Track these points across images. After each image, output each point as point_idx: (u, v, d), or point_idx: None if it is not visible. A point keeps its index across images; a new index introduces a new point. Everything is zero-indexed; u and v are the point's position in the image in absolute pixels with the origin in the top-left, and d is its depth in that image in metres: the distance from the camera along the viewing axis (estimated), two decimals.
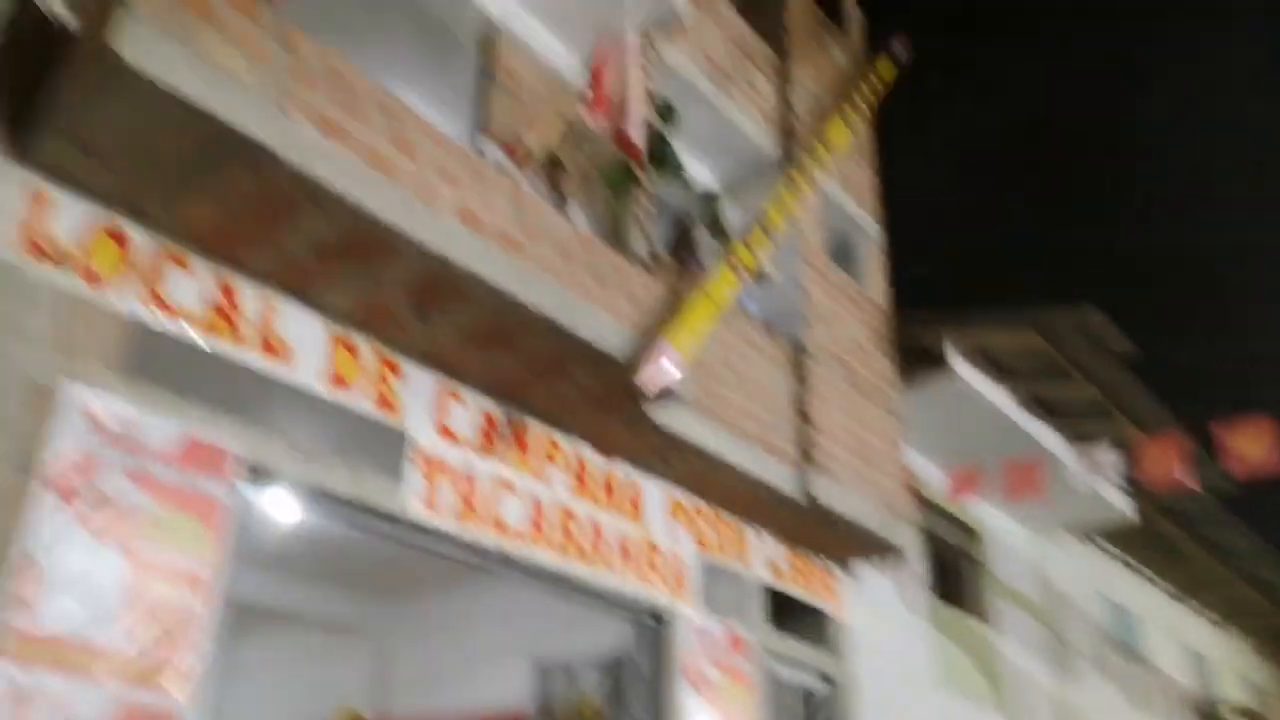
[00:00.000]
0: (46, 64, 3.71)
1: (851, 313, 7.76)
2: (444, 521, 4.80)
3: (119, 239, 3.87)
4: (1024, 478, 8.83)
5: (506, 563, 5.17)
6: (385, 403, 4.72)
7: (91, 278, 3.76)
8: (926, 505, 9.29)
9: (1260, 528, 13.36)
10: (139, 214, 3.91)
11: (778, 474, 6.34)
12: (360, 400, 4.62)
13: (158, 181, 3.77)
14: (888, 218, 8.82)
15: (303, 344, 4.41)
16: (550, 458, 5.51)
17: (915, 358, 8.60)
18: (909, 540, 7.42)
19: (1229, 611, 15.87)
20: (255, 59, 3.62)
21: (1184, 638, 14.74)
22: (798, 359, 6.93)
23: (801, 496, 6.46)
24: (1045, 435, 9.65)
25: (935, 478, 9.39)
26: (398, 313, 4.58)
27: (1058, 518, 11.07)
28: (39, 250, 3.64)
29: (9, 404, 3.44)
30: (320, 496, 4.44)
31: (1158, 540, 12.92)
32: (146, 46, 3.28)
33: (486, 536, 4.98)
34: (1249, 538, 13.36)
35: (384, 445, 4.73)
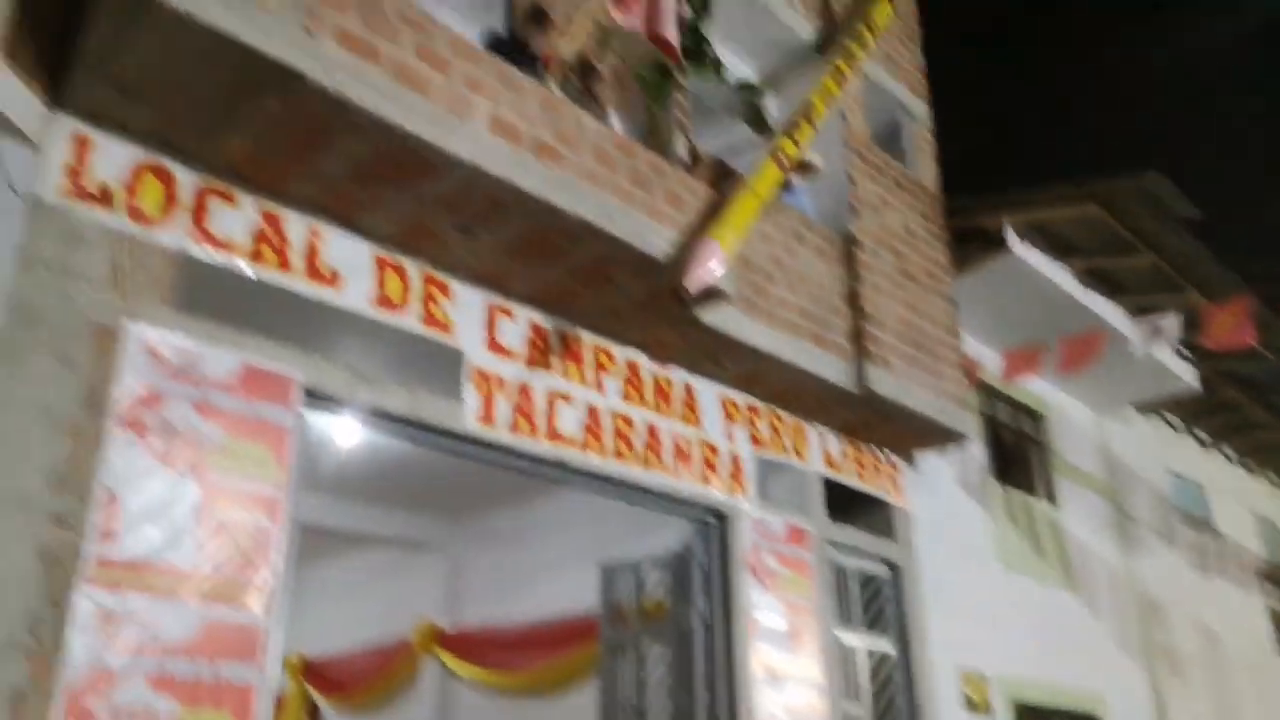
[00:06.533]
0: (78, 8, 3.71)
1: (900, 199, 7.59)
2: (501, 434, 4.88)
3: (162, 176, 3.92)
4: (1078, 349, 8.66)
5: (566, 471, 5.27)
6: (435, 321, 4.77)
7: (140, 217, 3.82)
8: (986, 389, 9.22)
9: None
10: (179, 150, 3.94)
11: (831, 367, 6.32)
12: (411, 320, 4.67)
13: (194, 116, 3.79)
14: (933, 97, 8.53)
15: (349, 268, 4.46)
16: (601, 365, 5.55)
17: (970, 239, 8.43)
18: (970, 426, 7.39)
19: None
20: None
21: (1253, 505, 14.59)
22: (846, 249, 6.83)
23: (856, 389, 6.45)
24: (1105, 310, 9.45)
25: (995, 361, 9.28)
26: (440, 231, 4.59)
27: (1120, 392, 10.91)
28: (86, 193, 3.71)
29: (76, 347, 3.55)
30: (380, 417, 4.53)
31: (1223, 408, 12.70)
32: None
33: (543, 447, 5.07)
34: None
35: (438, 363, 4.80)
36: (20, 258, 3.52)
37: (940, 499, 8.15)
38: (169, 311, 3.83)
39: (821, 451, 6.89)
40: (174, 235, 3.90)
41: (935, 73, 8.62)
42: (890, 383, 6.63)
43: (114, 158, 3.80)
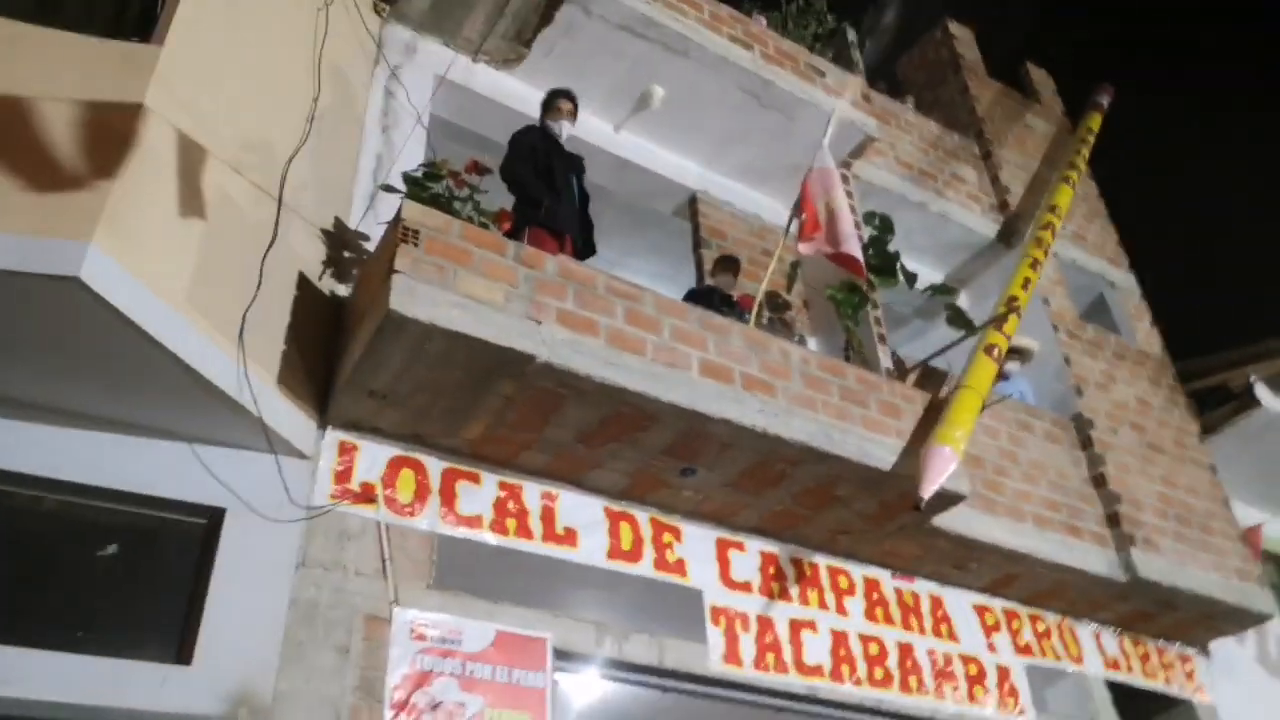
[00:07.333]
0: (335, 337, 4.28)
1: (1125, 370, 7.23)
2: (747, 673, 4.74)
3: (415, 467, 4.29)
4: None
5: (818, 704, 5.01)
6: (669, 565, 4.81)
7: (398, 507, 4.16)
8: (1273, 559, 8.23)
9: None
10: (427, 442, 4.33)
11: (1090, 557, 5.87)
12: (645, 568, 4.73)
13: (438, 409, 4.17)
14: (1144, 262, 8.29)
15: (584, 525, 4.62)
16: (840, 587, 5.37)
17: (1214, 400, 7.84)
18: (1265, 602, 6.57)
19: None
20: (505, 284, 4.00)
21: None
22: (1080, 431, 6.49)
23: (1123, 577, 5.92)
24: None
25: (1276, 526, 8.32)
26: (665, 477, 4.71)
27: None
28: (351, 493, 4.08)
29: (353, 638, 3.80)
30: (624, 669, 4.52)
31: None
32: (415, 298, 3.72)
33: (792, 680, 4.87)
34: None
35: (677, 607, 4.79)
36: (299, 561, 3.86)
37: (1246, 689, 7.15)
38: (428, 592, 4.06)
39: (1099, 652, 6.26)
40: (428, 519, 4.20)
41: (1144, 239, 8.43)
42: (1161, 566, 6.06)
43: (373, 458, 4.21)
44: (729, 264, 6.01)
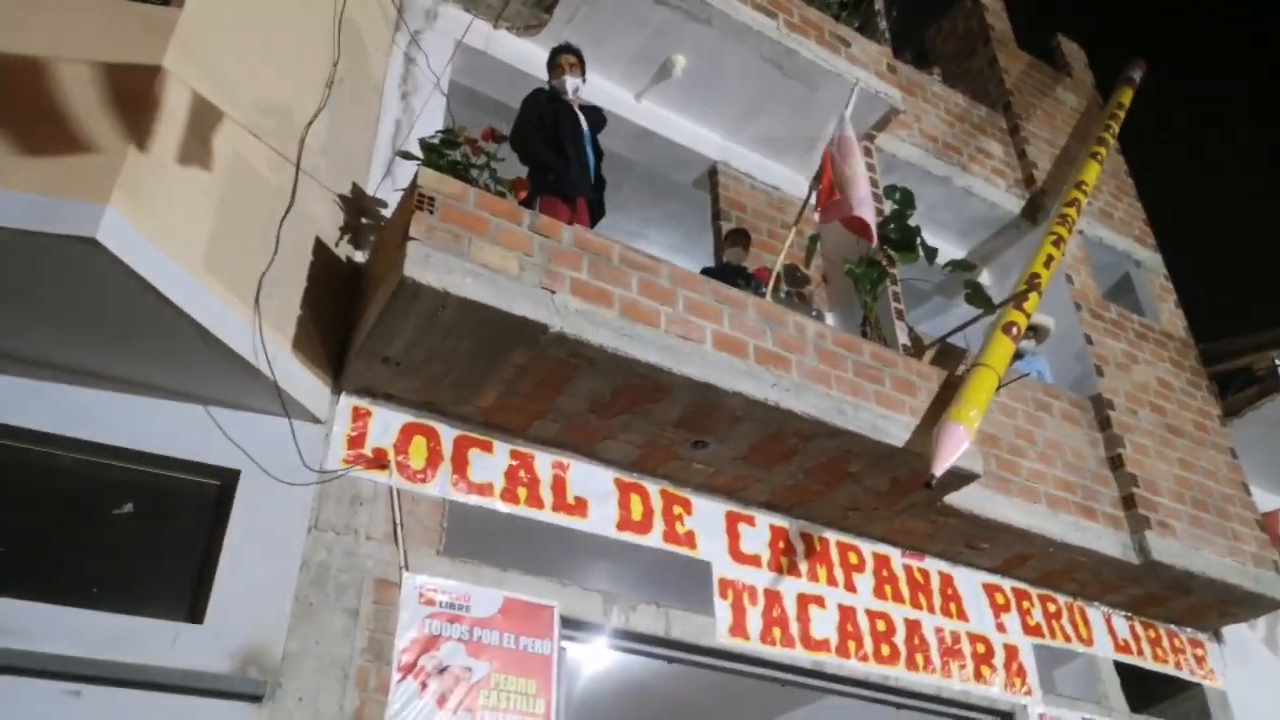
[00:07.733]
0: (351, 303, 4.31)
1: (1147, 351, 7.15)
2: (754, 646, 4.77)
3: (427, 434, 4.31)
4: None
5: (823, 678, 5.03)
6: (679, 538, 4.82)
7: (410, 473, 4.19)
8: None
9: None
10: (440, 409, 4.36)
11: (1103, 539, 5.84)
12: (655, 539, 4.75)
13: (452, 377, 4.18)
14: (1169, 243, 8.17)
15: (594, 495, 4.63)
16: (850, 563, 5.37)
17: (1237, 383, 7.75)
18: (1279, 589, 6.53)
19: None
20: (520, 253, 4.01)
21: None
22: (1099, 412, 6.44)
23: (1137, 560, 5.89)
24: None
25: None
26: (676, 449, 4.72)
27: None
28: (364, 459, 4.11)
29: (361, 601, 3.84)
30: (632, 639, 4.55)
31: None
32: (430, 265, 3.73)
33: (798, 655, 4.89)
34: None
35: (685, 579, 4.81)
36: (311, 524, 3.90)
37: (1259, 674, 7.12)
38: (438, 558, 4.10)
39: (1109, 634, 6.25)
40: (440, 486, 4.23)
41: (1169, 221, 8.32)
42: (1175, 549, 6.02)
43: (386, 424, 4.24)
44: (740, 237, 5.97)
